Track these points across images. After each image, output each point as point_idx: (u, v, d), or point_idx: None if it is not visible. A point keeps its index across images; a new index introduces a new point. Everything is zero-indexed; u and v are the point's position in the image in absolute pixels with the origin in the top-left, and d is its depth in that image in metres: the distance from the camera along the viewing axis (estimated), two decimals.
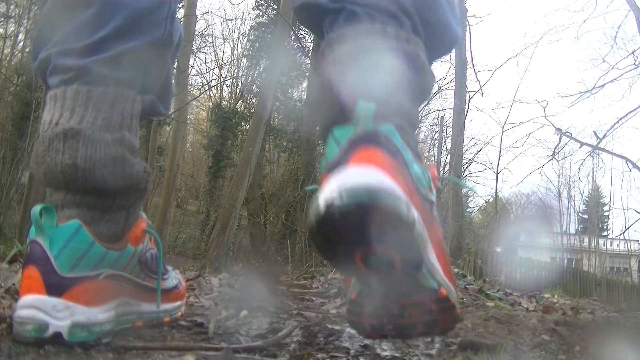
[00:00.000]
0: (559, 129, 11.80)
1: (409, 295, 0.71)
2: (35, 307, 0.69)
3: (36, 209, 0.71)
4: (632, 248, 17.51)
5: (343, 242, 0.62)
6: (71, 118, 0.76)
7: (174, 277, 0.98)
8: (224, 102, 15.43)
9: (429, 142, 18.63)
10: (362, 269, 0.66)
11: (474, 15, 14.66)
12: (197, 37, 13.16)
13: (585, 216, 23.63)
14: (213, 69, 17.77)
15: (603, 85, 11.12)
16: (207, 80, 16.87)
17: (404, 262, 0.66)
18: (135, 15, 0.80)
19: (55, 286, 0.70)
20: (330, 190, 0.60)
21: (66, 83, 0.78)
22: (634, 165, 10.86)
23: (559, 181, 19.82)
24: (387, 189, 0.60)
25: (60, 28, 0.80)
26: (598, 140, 11.32)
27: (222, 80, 16.81)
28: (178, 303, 0.98)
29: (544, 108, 15.06)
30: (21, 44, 11.82)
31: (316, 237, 0.62)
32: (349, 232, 0.61)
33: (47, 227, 0.71)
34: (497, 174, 13.67)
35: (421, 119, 16.89)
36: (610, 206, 21.99)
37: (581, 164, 16.78)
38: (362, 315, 0.75)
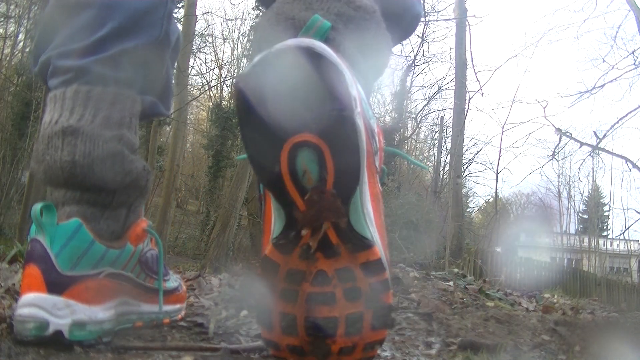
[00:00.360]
0: (559, 129, 11.80)
1: (335, 249, 0.60)
2: (36, 305, 0.69)
3: (37, 207, 0.71)
4: (632, 248, 17.51)
5: (273, 109, 0.55)
6: (70, 116, 0.77)
7: (174, 280, 0.98)
8: (224, 102, 15.41)
9: (429, 142, 18.65)
10: (286, 172, 0.57)
11: (474, 15, 14.68)
12: (197, 37, 13.15)
13: (585, 216, 23.63)
14: (213, 69, 17.78)
15: (603, 85, 11.12)
16: (207, 80, 16.88)
17: (337, 165, 0.57)
18: (133, 15, 0.81)
19: (56, 284, 0.70)
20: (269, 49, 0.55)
21: (66, 84, 0.79)
22: (634, 165, 10.87)
23: (559, 181, 19.83)
24: (331, 53, 0.55)
25: (59, 31, 0.81)
26: (598, 140, 11.33)
27: (222, 80, 16.81)
28: (178, 306, 0.98)
29: (544, 108, 15.11)
30: (21, 44, 11.83)
31: (242, 96, 0.55)
32: (282, 94, 0.54)
33: (48, 225, 0.71)
34: (497, 174, 13.73)
35: (421, 119, 16.91)
36: (610, 206, 22.00)
37: (581, 164, 16.79)
38: (273, 301, 0.63)
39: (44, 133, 0.77)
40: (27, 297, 0.69)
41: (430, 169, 17.17)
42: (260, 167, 0.60)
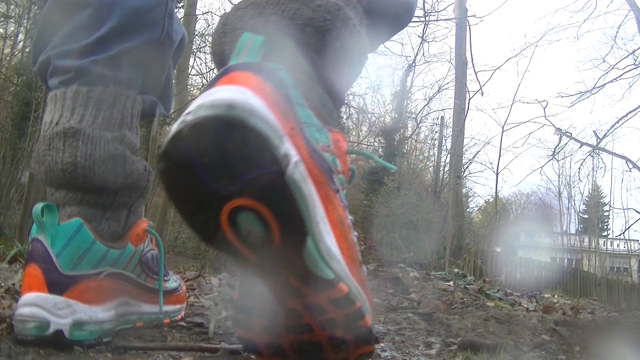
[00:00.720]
0: (559, 129, 11.81)
1: (299, 291, 0.58)
2: (36, 304, 0.69)
3: (38, 207, 0.71)
4: (632, 248, 17.52)
5: (201, 181, 0.51)
6: (71, 117, 0.77)
7: (174, 280, 0.98)
8: None
9: (429, 142, 18.64)
10: (230, 236, 0.54)
11: (474, 15, 14.67)
12: (197, 37, 13.14)
13: (585, 216, 23.64)
14: (213, 69, 17.78)
15: (603, 85, 11.12)
16: (207, 80, 16.87)
17: (281, 223, 0.53)
18: (132, 14, 0.81)
19: (57, 284, 0.70)
20: (185, 112, 0.51)
21: (66, 84, 0.79)
22: (634, 165, 10.87)
23: (559, 181, 19.83)
24: (253, 107, 0.50)
25: (58, 30, 0.81)
26: (598, 140, 11.34)
27: None
28: (178, 306, 0.98)
29: (544, 108, 15.03)
30: (21, 44, 11.82)
31: (166, 174, 0.51)
32: (206, 165, 0.50)
33: (49, 225, 0.71)
34: (497, 174, 13.67)
35: (421, 119, 16.91)
36: (610, 206, 22.01)
37: (581, 164, 16.65)
38: (251, 327, 0.64)
39: (45, 134, 0.77)
40: (28, 296, 0.69)
41: (430, 169, 17.16)
42: (203, 234, 0.57)
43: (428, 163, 18.23)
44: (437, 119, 17.53)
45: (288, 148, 0.52)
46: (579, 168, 17.15)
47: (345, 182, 0.67)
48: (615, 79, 11.25)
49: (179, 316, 0.98)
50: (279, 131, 0.51)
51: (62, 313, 0.69)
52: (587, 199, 23.06)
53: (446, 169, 15.27)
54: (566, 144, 12.72)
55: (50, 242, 0.71)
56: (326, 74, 0.68)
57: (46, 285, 0.69)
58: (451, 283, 2.43)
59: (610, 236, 22.53)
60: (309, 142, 0.59)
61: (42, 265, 0.70)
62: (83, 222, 0.74)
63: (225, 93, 0.51)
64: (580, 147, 12.33)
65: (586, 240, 19.35)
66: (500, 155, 17.40)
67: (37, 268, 0.70)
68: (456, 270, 3.73)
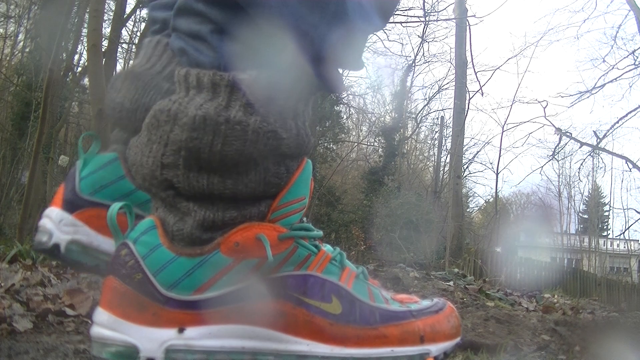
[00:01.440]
0: (559, 129, 11.83)
1: None
2: (47, 216, 0.73)
3: (85, 134, 0.78)
4: (632, 248, 17.52)
5: None
6: (145, 64, 0.80)
7: None
8: None
9: (429, 142, 18.65)
10: None
11: (474, 15, 14.66)
12: None
13: (585, 216, 23.64)
14: None
15: (603, 85, 11.15)
16: None
17: None
18: None
19: (70, 203, 0.74)
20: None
21: (154, 33, 0.83)
22: (634, 165, 10.89)
23: (559, 181, 19.80)
24: (113, 339, 0.53)
25: None
26: (598, 140, 11.36)
27: None
28: None
29: (544, 108, 15.03)
30: (21, 44, 11.83)
31: None
32: None
33: (88, 153, 0.76)
34: (497, 174, 13.66)
35: (421, 119, 16.92)
36: (610, 206, 21.98)
37: (581, 164, 16.59)
38: None
39: (115, 74, 0.80)
40: (48, 209, 0.74)
41: (430, 169, 17.17)
42: None
43: (428, 163, 18.24)
44: (437, 119, 17.53)
45: (144, 351, 0.53)
46: (579, 168, 17.13)
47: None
48: (615, 79, 11.28)
49: None
50: (130, 344, 0.53)
51: (65, 229, 0.73)
52: (587, 199, 23.07)
53: (446, 169, 15.28)
54: (566, 144, 12.74)
55: (81, 167, 0.75)
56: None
57: (62, 202, 0.74)
58: (451, 283, 2.43)
59: (610, 236, 22.52)
60: (172, 295, 0.54)
61: (67, 185, 0.75)
62: (119, 157, 0.76)
63: (96, 332, 0.54)
64: (580, 147, 12.37)
65: (586, 240, 19.33)
66: (500, 155, 17.40)
67: (63, 187, 0.75)
68: (456, 270, 3.73)
